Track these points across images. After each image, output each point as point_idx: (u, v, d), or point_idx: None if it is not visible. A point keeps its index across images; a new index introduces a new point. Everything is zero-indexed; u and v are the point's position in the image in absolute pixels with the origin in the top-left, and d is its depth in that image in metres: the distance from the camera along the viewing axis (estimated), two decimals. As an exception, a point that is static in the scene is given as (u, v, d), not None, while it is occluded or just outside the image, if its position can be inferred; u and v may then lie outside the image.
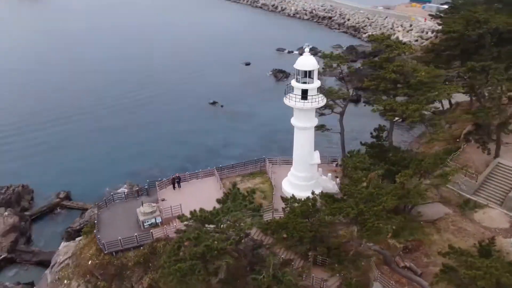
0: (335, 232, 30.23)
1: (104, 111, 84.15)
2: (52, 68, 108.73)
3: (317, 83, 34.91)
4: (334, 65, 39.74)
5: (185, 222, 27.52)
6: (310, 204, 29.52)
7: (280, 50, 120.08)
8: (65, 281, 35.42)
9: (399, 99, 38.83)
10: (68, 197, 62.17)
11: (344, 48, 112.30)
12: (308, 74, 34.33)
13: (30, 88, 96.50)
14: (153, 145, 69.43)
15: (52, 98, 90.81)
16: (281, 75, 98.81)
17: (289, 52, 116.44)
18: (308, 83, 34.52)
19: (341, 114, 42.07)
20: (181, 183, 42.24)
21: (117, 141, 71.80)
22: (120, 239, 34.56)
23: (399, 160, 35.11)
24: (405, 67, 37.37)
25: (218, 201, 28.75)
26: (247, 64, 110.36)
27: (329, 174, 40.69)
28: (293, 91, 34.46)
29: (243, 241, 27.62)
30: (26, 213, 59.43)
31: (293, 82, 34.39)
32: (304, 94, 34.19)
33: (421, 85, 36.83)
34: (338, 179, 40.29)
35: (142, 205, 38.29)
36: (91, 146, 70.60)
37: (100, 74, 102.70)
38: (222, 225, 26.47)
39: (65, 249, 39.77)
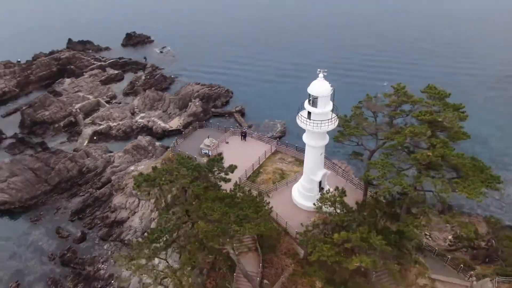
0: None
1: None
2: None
3: (320, 109, 33.83)
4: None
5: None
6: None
7: None
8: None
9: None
10: (241, 112, 79.93)
11: None
12: (313, 100, 33.91)
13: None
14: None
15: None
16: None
17: None
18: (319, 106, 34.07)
19: (371, 152, 36.92)
20: (246, 137, 50.55)
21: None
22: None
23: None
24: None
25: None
26: None
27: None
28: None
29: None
30: (213, 109, 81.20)
31: (305, 102, 34.88)
32: (310, 116, 34.59)
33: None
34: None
35: (208, 138, 50.15)
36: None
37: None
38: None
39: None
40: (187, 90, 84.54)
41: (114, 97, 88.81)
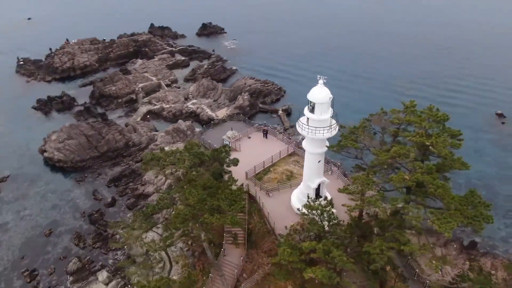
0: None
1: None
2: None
3: (317, 116, 33.50)
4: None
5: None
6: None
7: None
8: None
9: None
10: (287, 112, 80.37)
11: None
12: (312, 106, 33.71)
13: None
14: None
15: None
16: None
17: None
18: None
19: (369, 167, 35.03)
20: (268, 135, 51.37)
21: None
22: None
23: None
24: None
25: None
26: None
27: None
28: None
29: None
30: (260, 105, 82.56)
31: (305, 109, 34.84)
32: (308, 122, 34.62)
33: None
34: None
35: (231, 130, 52.05)
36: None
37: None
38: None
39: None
40: (240, 83, 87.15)
41: (175, 81, 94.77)
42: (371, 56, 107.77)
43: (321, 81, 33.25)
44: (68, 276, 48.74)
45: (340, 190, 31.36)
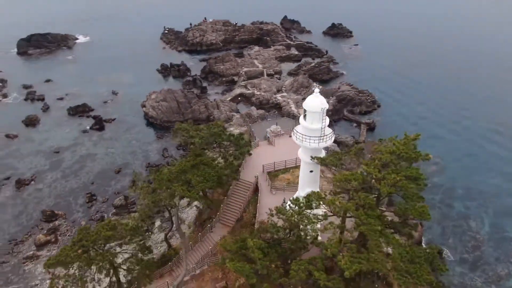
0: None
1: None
2: None
3: (307, 123, 33.07)
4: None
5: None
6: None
7: None
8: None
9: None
10: (371, 126, 76.95)
11: None
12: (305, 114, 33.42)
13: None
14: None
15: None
16: None
17: None
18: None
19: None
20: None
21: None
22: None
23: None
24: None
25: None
26: None
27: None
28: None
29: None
30: (346, 113, 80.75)
31: (301, 117, 34.72)
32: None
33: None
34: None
35: (276, 125, 53.68)
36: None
37: None
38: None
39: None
40: (333, 87, 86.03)
41: (279, 73, 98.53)
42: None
43: (316, 90, 32.72)
44: (113, 208, 58.22)
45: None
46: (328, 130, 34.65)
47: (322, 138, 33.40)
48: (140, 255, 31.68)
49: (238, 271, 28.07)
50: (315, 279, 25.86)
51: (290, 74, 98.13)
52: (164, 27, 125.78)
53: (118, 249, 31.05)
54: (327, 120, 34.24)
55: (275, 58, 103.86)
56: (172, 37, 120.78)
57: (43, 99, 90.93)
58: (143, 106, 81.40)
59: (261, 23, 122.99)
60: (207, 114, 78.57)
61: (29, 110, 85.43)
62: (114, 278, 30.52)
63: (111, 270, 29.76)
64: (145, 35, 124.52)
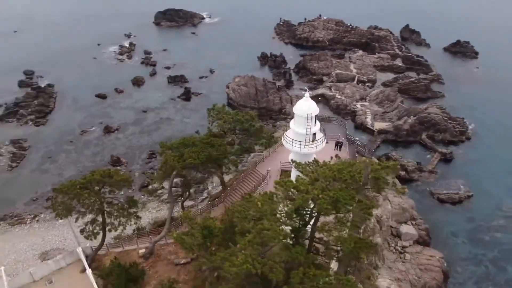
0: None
1: None
2: None
3: (293, 126, 33.12)
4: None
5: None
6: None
7: None
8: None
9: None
10: (447, 158, 70.10)
11: None
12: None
13: None
14: None
15: None
16: None
17: None
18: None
19: None
20: (341, 148, 49.77)
21: None
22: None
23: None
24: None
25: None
26: None
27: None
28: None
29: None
30: (423, 137, 74.68)
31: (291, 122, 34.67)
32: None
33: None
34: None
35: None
36: None
37: None
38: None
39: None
40: (422, 107, 79.02)
41: (372, 81, 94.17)
42: None
43: (306, 94, 32.53)
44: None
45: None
46: (319, 135, 34.15)
47: (307, 143, 33.13)
48: (126, 206, 36.49)
49: (178, 241, 30.49)
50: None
51: (383, 84, 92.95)
52: (281, 18, 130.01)
53: (107, 195, 36.30)
54: (318, 125, 33.68)
55: (374, 65, 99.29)
56: (284, 29, 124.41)
57: (154, 65, 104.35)
58: (227, 87, 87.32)
59: (375, 28, 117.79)
60: (279, 107, 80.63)
61: (139, 72, 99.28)
62: (100, 219, 35.88)
63: (98, 208, 35.14)
64: (262, 23, 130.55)
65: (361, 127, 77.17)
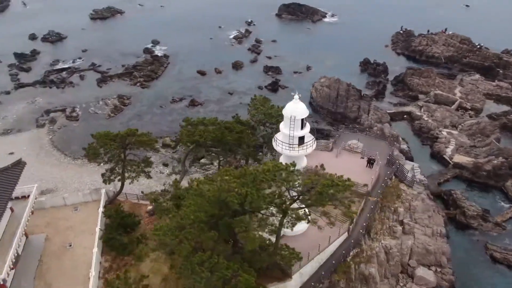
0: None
1: None
2: None
3: (283, 128, 33.72)
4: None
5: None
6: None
7: None
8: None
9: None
10: None
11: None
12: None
13: None
14: None
15: None
16: None
17: None
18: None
19: None
20: (373, 165, 47.42)
21: None
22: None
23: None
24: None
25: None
26: None
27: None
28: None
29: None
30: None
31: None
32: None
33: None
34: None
35: (357, 140, 51.60)
36: None
37: None
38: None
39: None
40: (518, 150, 67.62)
41: (477, 110, 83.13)
42: None
43: (296, 96, 32.81)
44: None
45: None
46: (309, 138, 34.28)
47: (291, 145, 33.63)
48: (141, 164, 42.16)
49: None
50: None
51: (489, 116, 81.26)
52: (402, 26, 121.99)
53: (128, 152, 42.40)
54: (306, 129, 33.77)
55: (487, 93, 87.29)
56: (401, 38, 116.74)
57: (258, 53, 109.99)
58: (313, 85, 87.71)
59: (507, 52, 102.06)
60: (355, 115, 78.15)
61: (243, 58, 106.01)
62: (119, 170, 42.25)
63: (118, 159, 41.55)
64: (382, 30, 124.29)
65: (436, 156, 70.06)
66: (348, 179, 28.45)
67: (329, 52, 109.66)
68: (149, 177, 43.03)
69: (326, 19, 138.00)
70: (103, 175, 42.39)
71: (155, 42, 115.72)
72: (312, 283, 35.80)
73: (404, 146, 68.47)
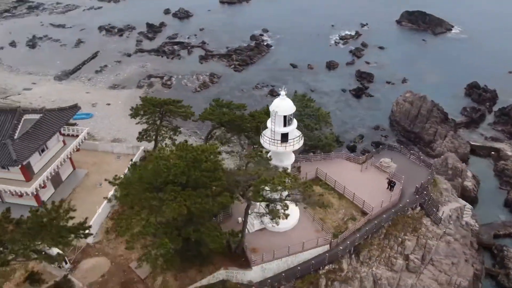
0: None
1: None
2: None
3: (270, 124, 34.67)
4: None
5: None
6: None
7: None
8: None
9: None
10: None
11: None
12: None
13: None
14: None
15: None
16: None
17: None
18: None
19: None
20: (393, 188, 44.56)
21: None
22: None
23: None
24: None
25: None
26: None
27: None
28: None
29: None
30: None
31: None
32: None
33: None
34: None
35: (390, 159, 48.73)
36: None
37: None
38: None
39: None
40: None
41: None
42: None
43: (282, 92, 33.43)
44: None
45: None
46: (294, 136, 34.74)
47: (273, 140, 34.60)
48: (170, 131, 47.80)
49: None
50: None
51: None
52: None
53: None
54: (291, 127, 34.20)
55: None
56: None
57: (359, 57, 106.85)
58: (396, 98, 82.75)
59: None
60: (430, 139, 71.90)
61: (341, 59, 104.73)
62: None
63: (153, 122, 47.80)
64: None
65: (510, 205, 60.53)
66: (295, 178, 28.75)
67: (435, 69, 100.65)
68: (174, 144, 48.19)
69: (449, 33, 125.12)
70: (139, 133, 48.99)
71: (265, 30, 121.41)
72: (270, 281, 36.54)
73: (468, 183, 60.81)
